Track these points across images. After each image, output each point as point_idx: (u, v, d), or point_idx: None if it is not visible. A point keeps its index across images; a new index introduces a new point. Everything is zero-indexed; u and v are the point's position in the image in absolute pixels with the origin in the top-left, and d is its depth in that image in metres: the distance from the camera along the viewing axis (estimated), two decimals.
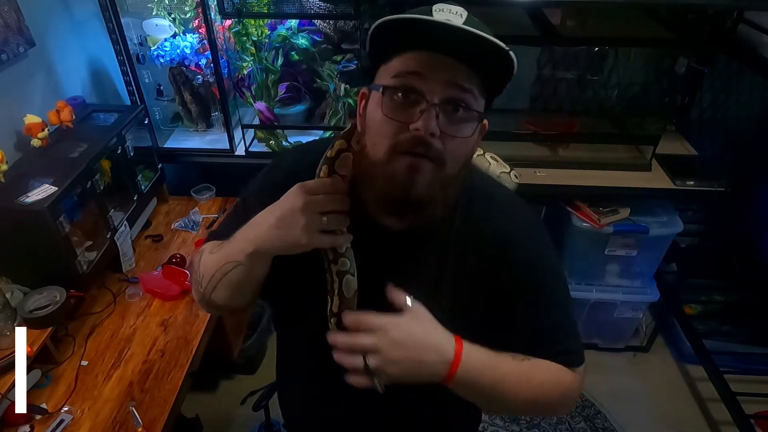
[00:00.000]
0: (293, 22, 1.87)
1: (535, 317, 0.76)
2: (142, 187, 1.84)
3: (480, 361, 0.67)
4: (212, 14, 1.72)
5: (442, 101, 0.61)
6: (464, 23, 0.59)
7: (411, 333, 0.64)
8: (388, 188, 0.63)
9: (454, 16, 0.59)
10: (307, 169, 0.74)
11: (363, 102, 0.68)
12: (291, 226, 0.64)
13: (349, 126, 0.72)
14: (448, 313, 0.71)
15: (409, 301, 0.66)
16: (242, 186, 0.87)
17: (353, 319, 0.65)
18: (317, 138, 0.86)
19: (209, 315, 1.57)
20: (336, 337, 0.65)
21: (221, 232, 0.85)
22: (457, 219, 0.75)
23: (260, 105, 1.92)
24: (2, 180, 1.39)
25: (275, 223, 0.66)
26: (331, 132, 1.98)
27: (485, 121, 0.70)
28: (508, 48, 0.58)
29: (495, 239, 0.74)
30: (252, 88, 1.93)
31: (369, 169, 0.66)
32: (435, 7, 0.60)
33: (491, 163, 1.10)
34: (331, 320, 0.70)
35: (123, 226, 1.69)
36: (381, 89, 0.63)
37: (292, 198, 0.65)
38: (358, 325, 0.64)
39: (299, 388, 0.97)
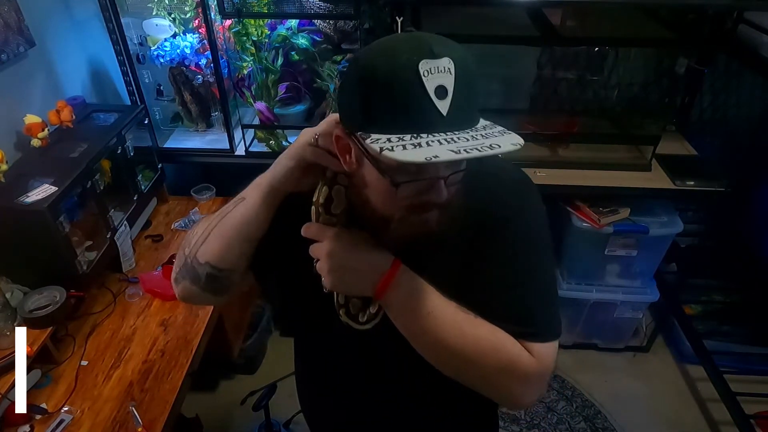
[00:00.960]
0: (293, 22, 1.87)
1: (499, 270, 0.73)
2: (142, 187, 1.84)
3: (414, 286, 0.69)
4: (212, 14, 1.72)
5: (449, 169, 0.63)
6: (454, 76, 0.57)
7: (354, 245, 0.69)
8: (401, 234, 0.68)
9: (443, 75, 0.57)
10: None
11: (339, 144, 0.66)
12: (299, 150, 0.70)
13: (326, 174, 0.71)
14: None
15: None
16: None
17: (313, 230, 0.71)
18: None
19: (209, 315, 1.57)
20: (305, 229, 0.71)
21: None
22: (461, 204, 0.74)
23: (260, 105, 1.92)
24: (2, 180, 1.39)
25: (286, 156, 0.72)
26: None
27: None
28: (499, 147, 0.56)
29: (483, 214, 0.74)
30: (252, 88, 1.93)
31: (382, 219, 0.69)
32: (422, 70, 0.56)
33: None
34: (340, 311, 0.72)
35: (123, 226, 1.69)
36: (391, 181, 0.62)
37: (301, 138, 0.71)
38: (316, 236, 0.70)
39: (324, 390, 0.98)
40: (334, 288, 0.70)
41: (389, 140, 0.56)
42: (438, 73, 0.57)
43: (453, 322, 0.69)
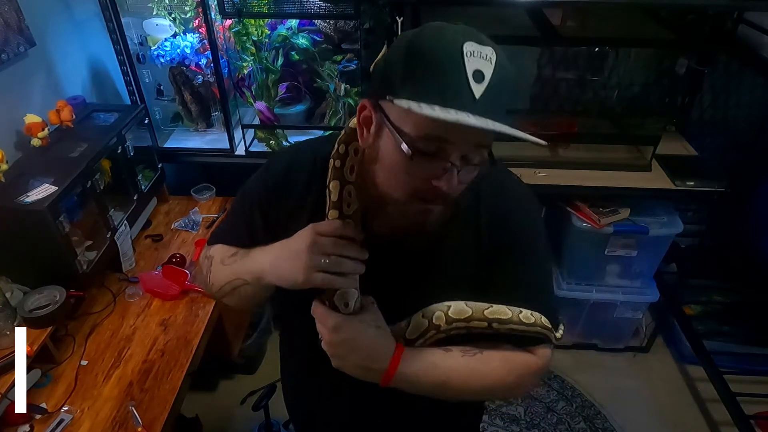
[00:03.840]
0: (293, 22, 1.87)
1: (514, 272, 0.78)
2: (142, 187, 1.84)
3: (419, 367, 0.72)
4: (212, 14, 1.72)
5: (462, 161, 0.62)
6: (494, 66, 0.58)
7: (354, 337, 0.69)
8: (400, 222, 0.69)
9: (484, 62, 0.58)
10: (302, 165, 0.80)
11: (361, 114, 0.67)
12: (293, 263, 0.69)
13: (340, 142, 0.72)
14: (448, 287, 0.76)
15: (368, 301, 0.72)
16: (242, 186, 0.88)
17: (317, 313, 0.71)
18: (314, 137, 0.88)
19: (209, 315, 1.57)
20: (314, 312, 0.71)
21: (222, 233, 0.89)
22: (468, 208, 0.77)
23: (260, 105, 1.92)
24: (2, 179, 1.38)
25: (282, 256, 0.72)
26: (330, 132, 1.98)
27: None
28: (526, 138, 0.60)
29: (489, 213, 0.77)
30: (252, 88, 1.93)
31: (380, 198, 0.69)
32: (466, 50, 0.57)
33: None
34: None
35: (123, 225, 1.69)
36: (408, 149, 0.61)
37: (302, 237, 0.69)
38: (318, 320, 0.71)
39: (301, 386, 0.99)
40: (341, 368, 0.72)
41: (420, 105, 0.56)
42: (480, 59, 0.58)
43: (467, 373, 0.74)
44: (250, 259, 0.77)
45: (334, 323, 0.69)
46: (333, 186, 0.71)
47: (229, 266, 0.81)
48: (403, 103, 0.56)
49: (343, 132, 0.73)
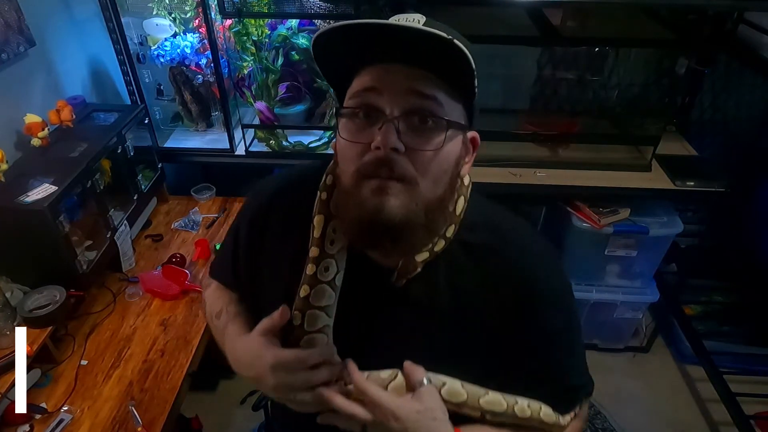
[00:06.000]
0: (293, 22, 1.87)
1: (544, 352, 0.71)
2: (142, 187, 1.84)
3: None
4: (212, 14, 1.72)
5: (402, 113, 0.56)
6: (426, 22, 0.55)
7: (414, 428, 0.62)
8: (358, 214, 0.59)
9: (409, 23, 0.54)
10: (287, 195, 0.76)
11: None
12: (256, 375, 0.65)
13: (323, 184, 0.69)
14: (448, 352, 0.69)
15: (425, 380, 0.65)
16: (242, 186, 0.88)
17: (362, 388, 0.63)
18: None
19: None
20: (337, 400, 0.63)
21: (214, 266, 0.89)
22: (456, 252, 0.69)
23: (260, 105, 1.92)
24: (2, 179, 1.38)
25: (244, 363, 0.68)
26: (330, 132, 1.99)
27: (473, 134, 0.65)
28: (451, 37, 0.51)
29: (508, 269, 0.68)
30: (252, 88, 1.93)
31: (340, 198, 0.63)
32: (392, 18, 0.56)
33: None
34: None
35: (123, 225, 1.69)
36: (341, 113, 0.59)
37: (265, 356, 0.64)
38: (365, 397, 0.63)
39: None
40: None
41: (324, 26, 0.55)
42: (405, 22, 0.55)
43: None
44: (226, 338, 0.75)
45: (389, 405, 0.61)
46: (317, 221, 0.67)
47: (214, 327, 0.81)
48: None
49: (332, 160, 0.68)
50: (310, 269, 0.66)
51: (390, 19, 0.55)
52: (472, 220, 0.70)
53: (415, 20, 0.55)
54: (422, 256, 0.67)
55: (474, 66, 0.54)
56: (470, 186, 0.71)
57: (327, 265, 0.66)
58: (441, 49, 0.52)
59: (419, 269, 0.67)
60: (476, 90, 0.59)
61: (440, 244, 0.67)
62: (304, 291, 0.66)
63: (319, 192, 0.69)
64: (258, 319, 0.68)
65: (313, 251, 0.66)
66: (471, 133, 0.65)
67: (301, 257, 0.68)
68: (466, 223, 0.69)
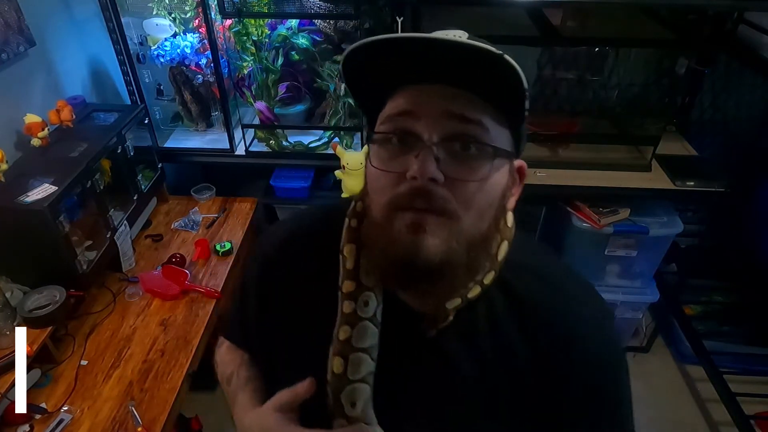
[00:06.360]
0: (293, 22, 1.87)
1: (595, 422, 0.65)
2: (142, 187, 1.84)
3: None
4: (212, 14, 1.72)
5: (441, 139, 0.50)
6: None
7: None
8: (391, 252, 0.51)
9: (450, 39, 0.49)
10: (302, 232, 0.70)
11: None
12: None
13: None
14: (485, 412, 0.61)
15: None
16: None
17: None
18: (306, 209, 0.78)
19: (209, 315, 1.57)
20: None
21: (227, 324, 0.85)
22: (497, 299, 0.61)
23: (260, 105, 1.92)
24: (2, 179, 1.39)
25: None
26: (330, 132, 1.99)
27: (520, 162, 0.58)
28: (501, 52, 0.46)
29: (552, 326, 0.60)
30: (252, 88, 1.93)
31: (370, 232, 0.55)
32: (432, 34, 0.49)
33: None
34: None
35: (123, 225, 1.69)
36: (372, 143, 0.53)
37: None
38: None
39: None
40: None
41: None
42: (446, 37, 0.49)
43: None
44: (235, 409, 0.69)
45: None
46: (348, 251, 0.58)
47: (225, 391, 0.77)
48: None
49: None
50: (347, 307, 0.58)
51: (432, 34, 0.50)
52: (518, 260, 0.61)
53: (456, 36, 0.49)
54: (453, 303, 0.58)
55: (526, 86, 0.49)
56: (513, 228, 0.62)
57: (366, 299, 0.58)
58: (488, 67, 0.47)
59: (450, 318, 0.59)
60: (526, 113, 0.53)
61: (475, 290, 0.58)
62: (344, 333, 0.57)
63: (347, 219, 0.61)
64: (271, 383, 0.62)
65: (348, 285, 0.58)
66: (518, 162, 0.58)
67: (321, 303, 0.61)
68: (510, 263, 0.60)
